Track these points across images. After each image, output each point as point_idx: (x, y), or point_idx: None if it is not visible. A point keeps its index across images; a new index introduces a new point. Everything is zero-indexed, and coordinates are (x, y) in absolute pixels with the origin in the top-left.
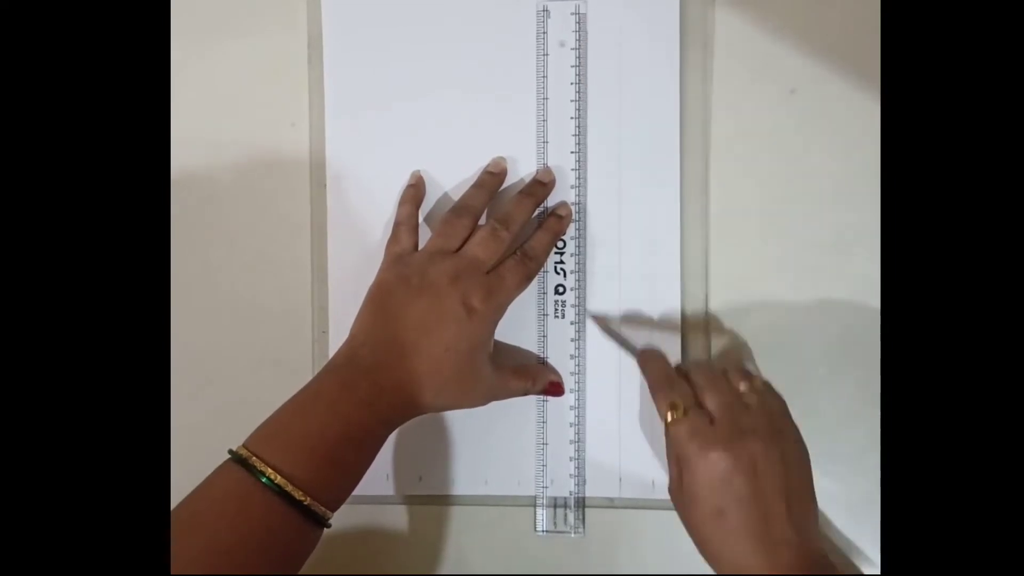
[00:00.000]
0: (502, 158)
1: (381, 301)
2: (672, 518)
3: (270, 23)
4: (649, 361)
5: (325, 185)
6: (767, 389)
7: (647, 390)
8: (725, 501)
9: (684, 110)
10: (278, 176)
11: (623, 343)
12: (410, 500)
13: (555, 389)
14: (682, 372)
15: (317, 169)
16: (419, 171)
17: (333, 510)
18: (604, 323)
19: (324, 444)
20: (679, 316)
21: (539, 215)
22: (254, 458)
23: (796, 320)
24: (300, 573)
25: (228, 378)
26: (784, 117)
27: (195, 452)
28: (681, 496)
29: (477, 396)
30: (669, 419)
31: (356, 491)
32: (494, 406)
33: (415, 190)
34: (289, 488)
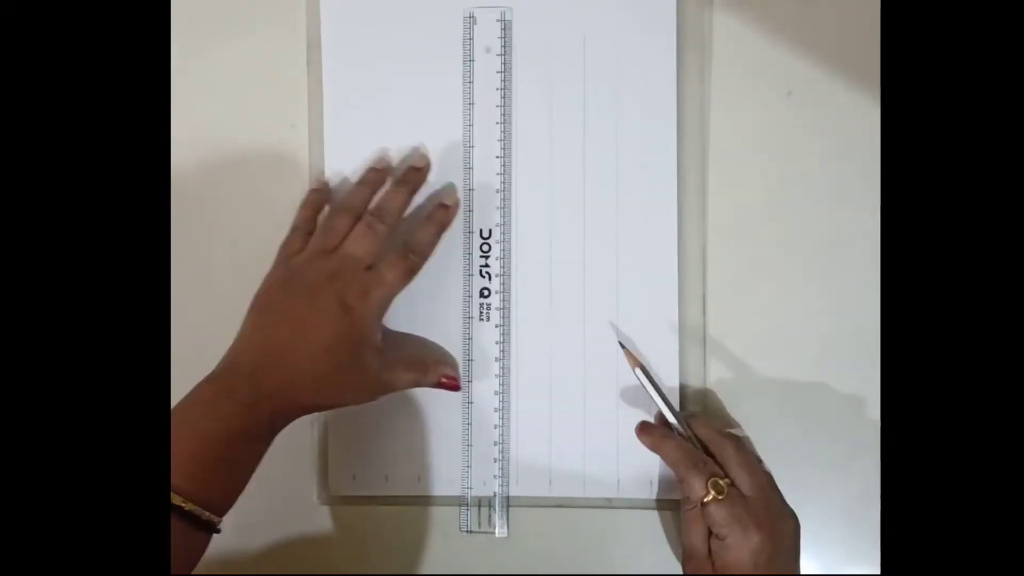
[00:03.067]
0: (386, 153)
1: (261, 305)
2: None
3: (269, 24)
4: (665, 439)
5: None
6: (771, 476)
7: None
8: None
9: (681, 112)
10: (278, 177)
11: (661, 397)
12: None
13: (449, 384)
14: (695, 439)
15: (316, 170)
16: (326, 178)
17: (220, 514)
18: (639, 364)
19: (204, 449)
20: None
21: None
22: None
23: (796, 320)
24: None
25: None
26: (781, 119)
27: None
28: (712, 570)
29: (363, 392)
30: (709, 499)
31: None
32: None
33: (317, 195)
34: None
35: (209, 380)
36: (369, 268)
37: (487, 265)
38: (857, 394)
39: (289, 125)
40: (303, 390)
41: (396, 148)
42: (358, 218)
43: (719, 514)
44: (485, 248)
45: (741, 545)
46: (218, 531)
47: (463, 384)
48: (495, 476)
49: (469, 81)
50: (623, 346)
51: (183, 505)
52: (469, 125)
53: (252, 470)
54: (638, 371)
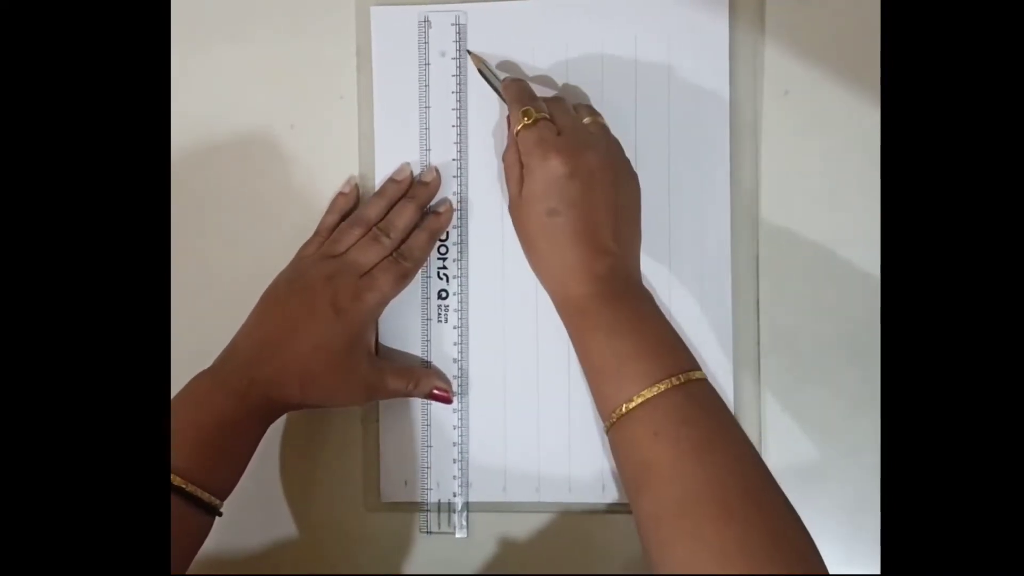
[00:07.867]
0: (407, 164)
1: (264, 301)
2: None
3: (265, 28)
4: (513, 82)
5: None
6: (607, 129)
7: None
8: (559, 202)
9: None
10: (279, 177)
11: (495, 81)
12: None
13: (441, 397)
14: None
15: (366, 174)
16: (355, 179)
17: (221, 498)
18: (481, 63)
19: (200, 435)
20: None
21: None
22: None
23: (796, 320)
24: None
25: None
26: (779, 118)
27: None
28: (520, 203)
29: (351, 394)
30: (520, 126)
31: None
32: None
33: (343, 199)
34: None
35: (207, 371)
36: (364, 275)
37: (444, 267)
38: (858, 393)
39: (288, 126)
40: (291, 386)
41: (416, 159)
42: (369, 228)
43: (526, 140)
44: (443, 250)
45: (540, 167)
46: (220, 514)
47: None
48: (454, 478)
49: (425, 85)
50: (470, 52)
51: (183, 486)
52: (425, 128)
53: (248, 457)
54: (481, 68)
